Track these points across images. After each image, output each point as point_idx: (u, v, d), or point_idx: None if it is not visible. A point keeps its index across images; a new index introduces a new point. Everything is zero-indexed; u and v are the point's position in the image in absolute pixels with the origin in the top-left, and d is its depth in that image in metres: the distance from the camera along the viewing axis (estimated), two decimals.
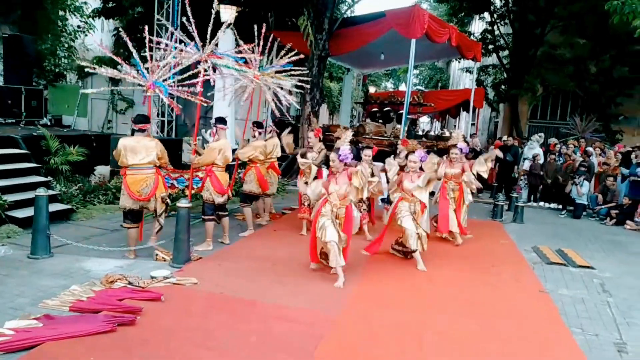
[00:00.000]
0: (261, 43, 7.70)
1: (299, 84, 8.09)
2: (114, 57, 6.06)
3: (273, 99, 7.71)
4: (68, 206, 7.82)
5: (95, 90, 6.00)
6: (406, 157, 6.58)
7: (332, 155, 5.46)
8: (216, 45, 6.65)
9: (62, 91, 16.18)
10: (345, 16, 13.64)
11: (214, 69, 6.66)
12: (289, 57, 7.88)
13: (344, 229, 5.39)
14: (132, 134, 6.04)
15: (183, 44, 6.43)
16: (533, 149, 12.63)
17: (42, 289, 4.67)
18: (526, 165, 12.51)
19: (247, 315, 4.38)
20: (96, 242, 6.33)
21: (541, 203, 11.90)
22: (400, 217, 6.08)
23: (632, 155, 11.25)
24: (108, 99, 15.69)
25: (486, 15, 19.81)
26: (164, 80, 6.03)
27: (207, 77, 6.45)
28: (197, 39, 6.34)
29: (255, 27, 7.60)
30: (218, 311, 4.46)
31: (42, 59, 15.81)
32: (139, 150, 5.81)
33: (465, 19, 22.41)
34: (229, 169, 6.93)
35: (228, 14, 9.85)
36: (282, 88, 7.81)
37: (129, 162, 5.79)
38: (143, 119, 6.02)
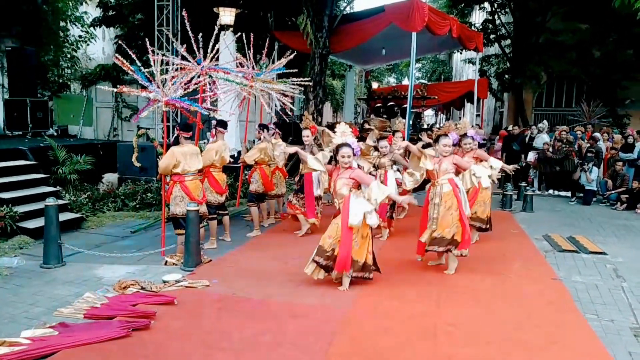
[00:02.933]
0: (265, 50, 7.75)
1: (294, 85, 8.11)
2: (124, 67, 6.01)
3: (268, 103, 7.75)
4: (78, 215, 7.88)
5: (145, 113, 5.92)
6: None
7: (345, 150, 4.96)
8: (217, 59, 6.69)
9: (67, 101, 16.28)
10: (344, 13, 13.59)
11: (213, 82, 6.72)
12: (280, 62, 7.95)
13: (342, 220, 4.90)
14: (177, 143, 6.09)
15: (184, 58, 6.46)
16: (538, 137, 12.56)
17: (56, 298, 4.71)
18: (530, 156, 12.42)
19: (260, 315, 4.39)
20: (107, 249, 6.38)
21: (550, 191, 11.82)
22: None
23: (630, 140, 11.20)
24: (113, 107, 15.76)
25: (486, 4, 19.69)
26: (184, 96, 6.09)
27: (208, 95, 6.52)
28: (197, 51, 6.38)
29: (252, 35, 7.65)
30: (231, 312, 4.47)
31: (45, 70, 15.91)
32: (195, 157, 6.01)
33: (466, 10, 22.26)
34: (226, 170, 7.01)
35: (227, 16, 9.85)
36: (279, 92, 7.85)
37: (192, 169, 5.95)
38: (190, 127, 6.14)
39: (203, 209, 6.11)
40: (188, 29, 6.33)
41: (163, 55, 6.39)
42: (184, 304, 4.57)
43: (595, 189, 10.75)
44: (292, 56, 8.18)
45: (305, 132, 7.14)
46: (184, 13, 6.48)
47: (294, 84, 8.23)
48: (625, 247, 7.07)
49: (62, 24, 17.24)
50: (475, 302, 4.80)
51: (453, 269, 5.60)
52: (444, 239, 5.49)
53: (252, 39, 7.83)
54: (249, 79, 7.52)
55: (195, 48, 6.37)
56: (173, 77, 6.05)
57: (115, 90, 6.06)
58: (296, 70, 8.26)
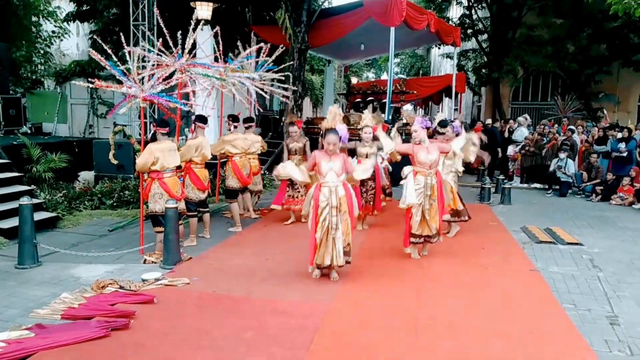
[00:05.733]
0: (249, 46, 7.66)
1: (268, 75, 8.04)
2: (101, 62, 5.90)
3: (235, 93, 7.65)
4: (53, 214, 7.72)
5: (124, 110, 5.93)
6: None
7: (331, 137, 5.00)
8: (194, 55, 6.62)
9: (41, 98, 15.96)
10: (322, 7, 13.55)
11: (191, 78, 6.66)
12: (252, 52, 7.90)
13: (349, 210, 5.04)
14: (154, 139, 5.98)
15: (162, 53, 6.36)
16: (517, 131, 12.72)
17: (31, 299, 4.61)
18: (510, 150, 12.57)
19: (241, 312, 4.37)
20: (84, 249, 6.27)
21: (526, 184, 11.97)
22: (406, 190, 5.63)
23: (596, 130, 11.48)
24: (88, 103, 15.48)
25: None
26: (162, 91, 5.99)
27: (188, 90, 6.45)
28: (174, 47, 6.30)
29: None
30: (212, 310, 4.44)
31: (18, 66, 15.55)
32: (173, 154, 5.90)
33: (443, 5, 22.45)
34: (209, 166, 6.95)
35: (204, 11, 9.74)
36: (258, 80, 7.76)
37: (171, 165, 5.85)
38: (167, 123, 6.04)
39: (182, 205, 6.04)
40: (162, 26, 6.24)
41: (142, 48, 6.29)
42: (164, 302, 4.51)
43: (571, 181, 10.94)
44: (278, 52, 8.13)
45: (293, 128, 7.53)
46: (156, 10, 6.36)
47: (272, 79, 8.17)
48: (601, 238, 7.21)
49: (34, 19, 16.88)
50: (455, 294, 4.85)
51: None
52: (437, 229, 5.80)
53: (229, 31, 7.75)
54: (221, 71, 7.45)
55: (171, 44, 6.28)
56: (151, 75, 5.95)
57: (91, 85, 5.94)
58: (286, 64, 8.21)
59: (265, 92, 8.15)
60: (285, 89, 8.56)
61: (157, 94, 5.93)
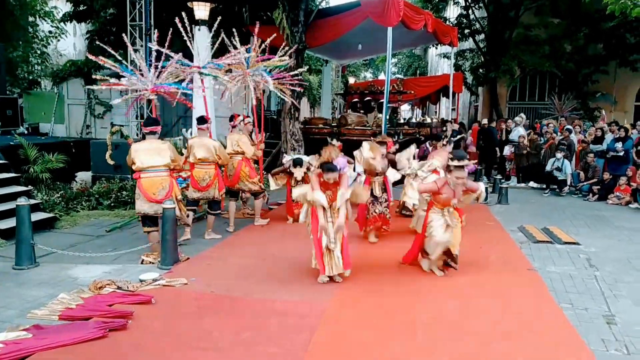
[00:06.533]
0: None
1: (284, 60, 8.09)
2: (101, 62, 5.93)
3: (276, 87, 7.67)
4: (51, 214, 7.71)
5: (118, 100, 6.15)
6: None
7: (331, 175, 4.95)
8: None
9: (38, 98, 15.90)
10: (320, 7, 13.54)
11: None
12: (282, 59, 7.95)
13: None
14: (143, 138, 5.98)
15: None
16: (514, 131, 12.73)
17: (29, 300, 4.60)
18: (506, 150, 12.58)
19: (239, 312, 4.37)
20: (82, 249, 6.26)
21: (531, 183, 11.97)
22: (431, 228, 5.35)
23: (593, 129, 11.49)
24: (85, 104, 15.43)
25: None
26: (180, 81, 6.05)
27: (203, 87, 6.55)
28: (196, 56, 6.42)
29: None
30: (210, 310, 4.43)
31: (14, 66, 15.51)
32: (153, 153, 5.82)
33: (440, 5, 22.43)
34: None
35: (202, 11, 9.72)
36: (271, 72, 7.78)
37: (144, 165, 5.76)
38: (153, 121, 6.01)
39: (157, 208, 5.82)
40: (181, 29, 6.29)
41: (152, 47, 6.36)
42: (162, 303, 4.51)
43: (569, 181, 10.97)
44: (291, 50, 8.15)
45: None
46: (177, 28, 6.40)
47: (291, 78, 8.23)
48: (598, 237, 7.23)
49: (31, 19, 16.85)
50: (454, 294, 4.85)
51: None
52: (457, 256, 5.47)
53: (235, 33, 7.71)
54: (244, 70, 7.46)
55: (190, 47, 6.40)
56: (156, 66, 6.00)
57: (96, 87, 5.97)
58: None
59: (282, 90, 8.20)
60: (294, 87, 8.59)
61: (165, 84, 5.97)
